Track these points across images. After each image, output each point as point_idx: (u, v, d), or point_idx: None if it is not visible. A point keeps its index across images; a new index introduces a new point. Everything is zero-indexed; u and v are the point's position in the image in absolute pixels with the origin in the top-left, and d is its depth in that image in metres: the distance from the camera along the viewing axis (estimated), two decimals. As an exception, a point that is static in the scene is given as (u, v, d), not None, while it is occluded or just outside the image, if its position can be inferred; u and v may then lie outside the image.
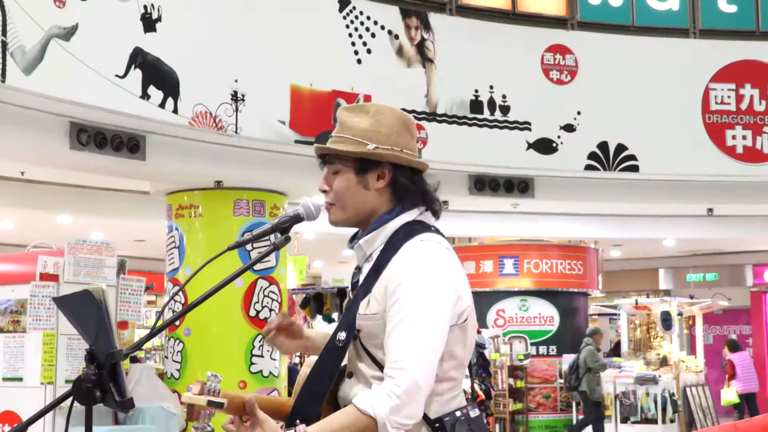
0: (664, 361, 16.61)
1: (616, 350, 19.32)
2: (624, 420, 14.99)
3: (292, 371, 10.82)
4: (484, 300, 16.09)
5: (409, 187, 2.75)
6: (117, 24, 8.28)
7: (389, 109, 2.79)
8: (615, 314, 19.69)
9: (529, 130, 11.18)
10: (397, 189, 2.75)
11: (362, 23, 10.27)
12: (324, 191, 2.76)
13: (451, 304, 2.62)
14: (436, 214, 2.79)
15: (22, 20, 7.35)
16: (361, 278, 2.75)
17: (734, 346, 18.38)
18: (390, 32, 10.50)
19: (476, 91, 10.97)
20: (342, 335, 2.68)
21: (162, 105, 8.55)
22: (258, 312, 10.02)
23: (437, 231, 2.76)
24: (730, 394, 17.80)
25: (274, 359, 10.16)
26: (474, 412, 2.71)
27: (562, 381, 16.08)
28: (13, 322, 8.08)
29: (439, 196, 2.81)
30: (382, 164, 2.73)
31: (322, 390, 2.69)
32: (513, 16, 11.50)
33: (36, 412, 2.43)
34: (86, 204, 12.79)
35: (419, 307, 2.56)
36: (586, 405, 14.49)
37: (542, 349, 16.51)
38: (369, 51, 10.29)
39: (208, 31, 9.08)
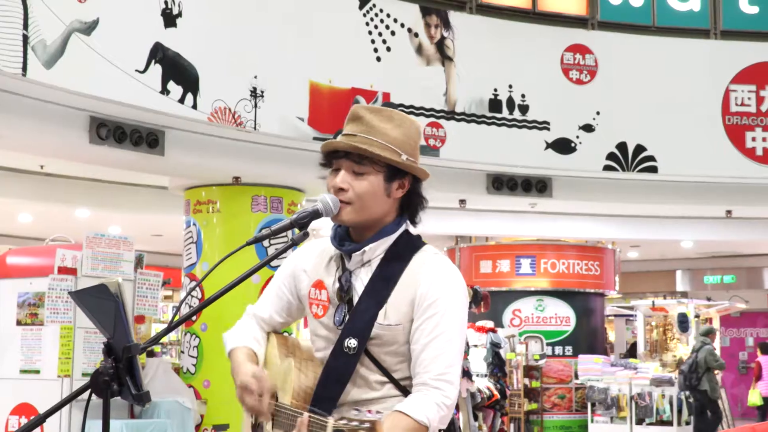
0: (680, 363, 16.55)
1: (631, 351, 19.26)
2: (639, 421, 14.92)
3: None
4: (500, 299, 16.05)
5: (422, 199, 2.85)
6: (137, 19, 8.30)
7: (409, 120, 2.85)
8: (631, 315, 19.63)
9: (548, 129, 11.16)
10: (411, 200, 2.82)
11: (382, 21, 10.27)
12: (342, 189, 2.75)
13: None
14: (415, 224, 2.89)
15: (43, 14, 7.39)
16: (359, 285, 2.78)
17: (766, 349, 18.31)
18: (410, 30, 10.50)
19: (495, 90, 10.96)
20: (352, 342, 2.71)
21: (181, 100, 8.58)
22: (274, 308, 10.03)
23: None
24: (753, 396, 17.72)
25: (290, 355, 10.18)
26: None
27: (577, 381, 16.05)
28: (31, 315, 8.11)
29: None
30: (405, 175, 2.78)
31: (333, 396, 2.74)
32: (533, 15, 11.48)
33: (54, 405, 2.44)
34: (104, 198, 12.83)
35: (456, 324, 2.71)
36: (703, 404, 14.49)
37: (558, 350, 16.47)
38: (389, 49, 10.29)
39: (228, 27, 9.10)
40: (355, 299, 2.76)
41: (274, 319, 2.99)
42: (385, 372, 2.73)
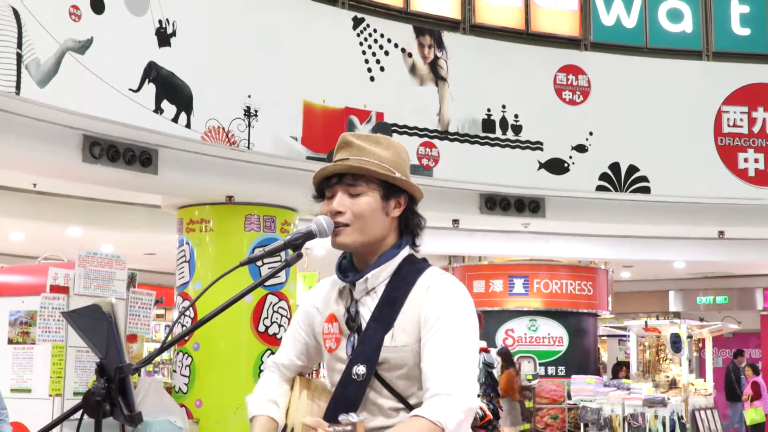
0: (673, 384, 16.52)
1: (615, 371, 19.18)
2: (632, 442, 14.88)
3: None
4: (493, 319, 16.05)
5: (418, 218, 2.85)
6: (131, 38, 8.31)
7: (397, 143, 2.87)
8: (624, 336, 19.60)
9: (541, 149, 11.18)
10: (408, 219, 2.82)
11: (376, 41, 10.30)
12: (340, 212, 2.73)
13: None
14: (415, 246, 2.88)
15: (37, 33, 7.39)
16: (366, 312, 2.76)
17: (756, 369, 18.38)
18: (403, 50, 10.53)
19: (489, 110, 10.98)
20: (361, 369, 2.69)
21: (175, 119, 8.58)
22: (267, 327, 10.01)
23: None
24: (756, 415, 17.68)
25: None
26: None
27: (569, 401, 16.01)
28: (23, 334, 8.08)
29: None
30: (401, 193, 2.79)
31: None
32: (526, 36, 11.52)
33: (45, 425, 2.43)
34: (97, 217, 12.81)
35: (466, 337, 2.66)
36: None
37: (551, 370, 16.46)
38: (382, 69, 10.31)
39: (222, 47, 9.11)
40: (364, 327, 2.75)
41: (294, 363, 2.98)
42: (399, 398, 2.69)
